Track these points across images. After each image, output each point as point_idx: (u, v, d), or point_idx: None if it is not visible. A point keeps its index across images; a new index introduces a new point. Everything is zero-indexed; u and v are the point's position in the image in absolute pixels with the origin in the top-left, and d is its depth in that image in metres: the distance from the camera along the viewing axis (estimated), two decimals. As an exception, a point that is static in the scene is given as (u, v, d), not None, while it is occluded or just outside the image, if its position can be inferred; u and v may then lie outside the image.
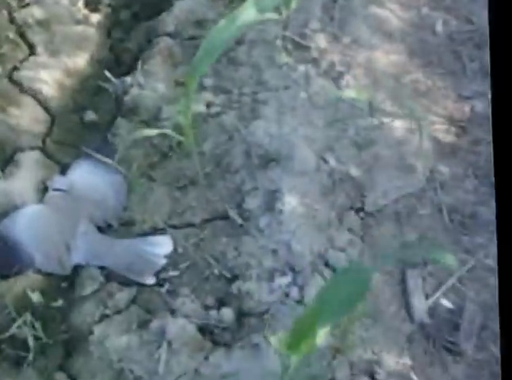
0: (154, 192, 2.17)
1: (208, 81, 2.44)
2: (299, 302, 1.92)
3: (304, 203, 2.07)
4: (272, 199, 2.08)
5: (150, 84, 2.47)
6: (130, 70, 2.57)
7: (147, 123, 2.37)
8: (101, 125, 2.45)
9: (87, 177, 2.25)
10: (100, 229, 2.12)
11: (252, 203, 2.09)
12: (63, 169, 2.29)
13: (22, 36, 2.55)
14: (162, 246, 2.04)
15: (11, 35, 2.53)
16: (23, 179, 2.24)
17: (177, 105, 2.34)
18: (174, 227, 2.09)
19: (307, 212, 2.06)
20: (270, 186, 2.10)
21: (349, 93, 2.14)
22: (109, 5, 2.74)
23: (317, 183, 2.13)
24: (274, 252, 2.01)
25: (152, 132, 2.09)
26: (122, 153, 2.27)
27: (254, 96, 2.35)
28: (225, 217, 2.09)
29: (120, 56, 2.66)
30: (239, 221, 2.07)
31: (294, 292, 1.93)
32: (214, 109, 2.32)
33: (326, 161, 2.16)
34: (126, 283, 1.99)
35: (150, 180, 2.20)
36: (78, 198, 2.19)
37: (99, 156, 2.23)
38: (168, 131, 2.11)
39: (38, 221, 2.14)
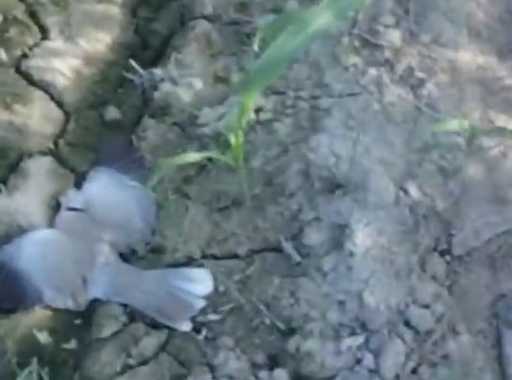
0: (190, 213, 1.83)
1: None
2: (374, 372, 1.56)
3: (379, 244, 1.70)
4: (339, 236, 1.72)
5: (184, 78, 2.08)
6: (159, 57, 2.22)
7: (181, 127, 2.01)
8: (125, 125, 2.08)
9: (108, 191, 1.90)
10: (123, 258, 1.80)
11: (313, 237, 1.74)
12: (79, 180, 1.94)
13: (33, 16, 2.19)
14: (199, 282, 1.73)
15: (20, 15, 2.17)
16: (30, 193, 1.89)
17: (217, 108, 2.01)
18: (214, 258, 1.77)
19: (382, 255, 1.69)
20: (336, 219, 1.75)
21: (446, 125, 1.74)
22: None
23: (395, 218, 1.75)
24: (341, 303, 1.65)
25: (194, 157, 1.71)
26: (150, 161, 1.95)
27: (314, 101, 1.97)
28: (278, 250, 1.77)
29: (147, 41, 2.27)
30: (296, 257, 1.74)
31: (367, 358, 1.57)
32: (264, 115, 1.96)
33: (405, 192, 1.79)
34: (154, 324, 1.69)
35: (185, 198, 1.86)
36: (96, 218, 1.84)
37: (122, 164, 1.93)
38: (214, 154, 1.76)
39: (48, 247, 1.79)
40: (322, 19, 1.51)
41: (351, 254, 1.68)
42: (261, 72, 1.53)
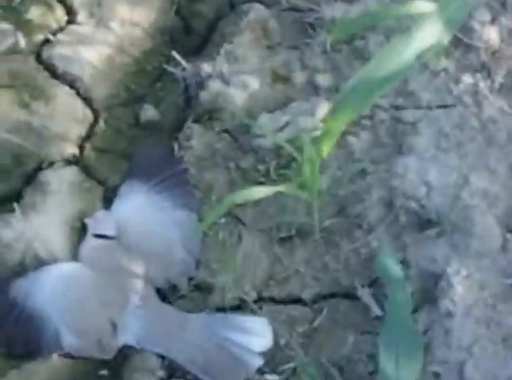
0: (244, 243, 1.55)
1: (323, 80, 1.75)
2: None
3: (484, 302, 1.40)
4: (431, 288, 1.43)
5: (236, 75, 1.76)
6: (204, 45, 1.92)
7: (232, 135, 1.70)
8: (165, 129, 1.78)
9: (143, 213, 1.61)
10: (161, 296, 1.51)
11: None
12: (108, 195, 1.65)
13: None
14: (256, 334, 1.43)
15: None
16: (49, 213, 1.58)
17: (278, 115, 1.70)
18: (273, 301, 1.49)
19: (487, 317, 1.38)
20: (428, 265, 1.45)
21: None
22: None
23: (502, 268, 1.45)
24: (437, 375, 1.34)
25: (261, 192, 1.41)
26: (195, 176, 1.66)
27: (396, 112, 1.66)
28: (352, 296, 1.48)
29: (190, 26, 1.94)
30: (375, 309, 1.44)
31: None
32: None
33: (514, 235, 1.49)
34: (198, 382, 1.36)
35: (238, 223, 1.58)
36: (129, 247, 1.55)
37: (161, 178, 1.64)
38: (287, 189, 1.46)
39: (70, 284, 1.50)
40: (430, 33, 1.21)
41: (448, 314, 1.37)
42: (354, 94, 1.23)
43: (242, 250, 1.52)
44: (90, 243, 1.55)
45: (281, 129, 1.65)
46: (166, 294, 1.51)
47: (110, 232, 1.54)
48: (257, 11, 1.86)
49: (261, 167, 1.64)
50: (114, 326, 1.44)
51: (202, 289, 1.51)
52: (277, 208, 1.57)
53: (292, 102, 1.70)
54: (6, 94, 1.67)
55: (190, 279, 1.51)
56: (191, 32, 1.93)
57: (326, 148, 1.30)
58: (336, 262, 1.50)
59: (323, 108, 1.65)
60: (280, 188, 1.44)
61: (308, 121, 1.64)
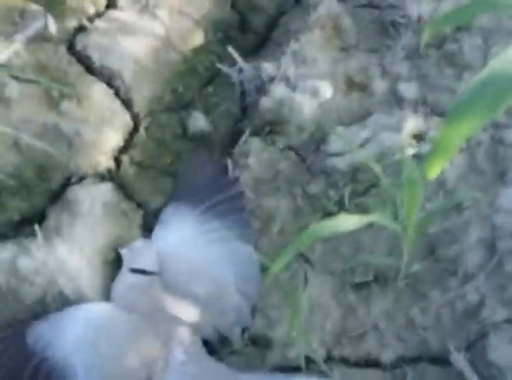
0: (311, 288, 1.32)
1: (408, 89, 1.49)
2: None
3: None
4: None
5: (304, 79, 1.50)
6: (263, 44, 1.68)
7: (299, 153, 1.46)
8: (217, 142, 1.53)
9: (190, 244, 1.36)
10: (209, 349, 1.28)
11: (504, 353, 1.20)
12: (149, 221, 1.40)
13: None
14: None
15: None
16: (77, 239, 1.32)
17: (355, 129, 1.46)
18: (345, 363, 1.27)
19: None
20: None
21: None
22: None
23: None
24: None
25: (354, 221, 1.14)
26: (253, 201, 1.42)
27: (496, 132, 1.41)
28: (443, 362, 1.24)
29: (248, 21, 1.69)
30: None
31: None
32: (421, 146, 1.41)
33: None
34: None
35: (305, 263, 1.35)
36: (173, 285, 1.30)
37: (212, 202, 1.39)
38: (379, 219, 1.20)
39: (100, 331, 1.23)
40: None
41: None
42: (484, 97, 0.95)
43: (308, 296, 1.29)
44: (126, 279, 1.30)
45: (360, 146, 1.41)
46: (215, 347, 1.29)
47: (150, 267, 1.30)
48: (328, 6, 1.60)
49: (332, 193, 1.39)
50: (150, 380, 1.21)
51: (258, 343, 1.29)
52: (351, 246, 1.33)
53: (372, 114, 1.47)
54: (32, 91, 1.42)
55: (245, 329, 1.30)
56: (249, 28, 1.68)
57: (437, 168, 1.03)
58: (423, 317, 1.27)
59: (411, 123, 1.42)
60: (374, 217, 1.18)
61: (394, 138, 1.40)
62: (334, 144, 1.42)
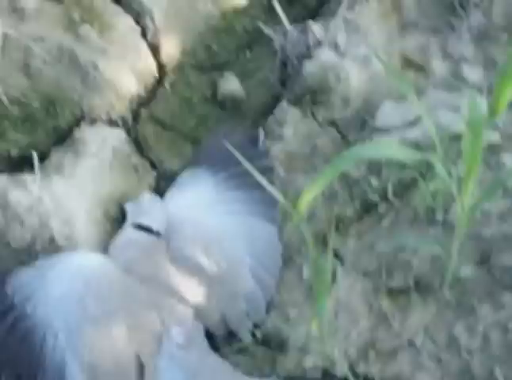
0: (340, 287, 1.17)
1: (472, 72, 1.38)
2: None
3: None
4: None
5: (355, 47, 1.38)
6: (313, 12, 1.52)
7: (341, 129, 1.32)
8: (250, 109, 1.41)
9: (206, 211, 1.22)
10: (211, 340, 1.14)
11: None
12: (162, 183, 1.29)
13: None
14: None
15: None
16: (79, 182, 1.22)
17: (406, 106, 1.30)
18: None
19: None
20: None
21: None
22: None
23: None
24: None
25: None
26: (283, 178, 1.28)
27: None
28: None
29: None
30: None
31: None
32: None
33: None
34: None
35: (335, 257, 1.19)
36: (180, 253, 1.17)
37: (236, 172, 1.23)
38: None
39: (91, 286, 1.12)
40: None
41: None
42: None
43: (335, 297, 1.15)
44: (127, 234, 1.18)
45: (410, 125, 1.27)
46: (219, 342, 1.16)
47: (157, 225, 1.17)
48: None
49: (374, 180, 1.23)
50: (141, 368, 1.06)
51: (271, 344, 1.16)
52: (390, 243, 1.17)
53: (427, 92, 1.33)
54: (51, 7, 1.30)
55: (257, 325, 1.16)
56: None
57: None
58: (469, 337, 1.09)
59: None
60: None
61: (450, 116, 1.25)
62: (383, 119, 1.29)
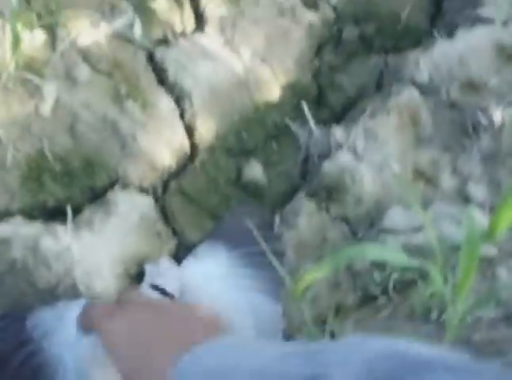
0: None
1: (477, 191, 1.42)
2: None
3: None
4: None
5: (372, 154, 1.43)
6: (338, 118, 1.57)
7: (352, 226, 1.36)
8: (269, 196, 1.43)
9: (217, 283, 1.24)
10: None
11: None
12: (181, 250, 1.32)
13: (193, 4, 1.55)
14: None
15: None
16: (106, 239, 1.24)
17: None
18: None
19: None
20: None
21: None
22: (335, 7, 1.66)
23: None
24: None
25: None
26: (292, 263, 1.32)
27: None
28: None
29: (327, 94, 1.60)
30: None
31: None
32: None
33: None
34: None
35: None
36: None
37: (249, 251, 1.27)
38: None
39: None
40: None
41: None
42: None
43: None
44: (144, 292, 1.18)
45: (416, 230, 1.31)
46: None
47: (171, 288, 1.18)
48: (410, 96, 1.53)
49: (377, 275, 1.28)
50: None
51: None
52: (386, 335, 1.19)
53: (434, 203, 1.38)
54: (101, 81, 1.35)
55: None
56: (325, 103, 1.59)
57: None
58: None
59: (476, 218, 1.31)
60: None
61: (453, 229, 1.31)
62: (390, 222, 1.33)
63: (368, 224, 1.35)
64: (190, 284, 1.21)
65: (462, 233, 1.21)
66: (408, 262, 1.12)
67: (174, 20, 1.47)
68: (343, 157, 1.42)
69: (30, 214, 1.24)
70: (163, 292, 1.18)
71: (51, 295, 1.17)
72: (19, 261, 1.16)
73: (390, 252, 1.15)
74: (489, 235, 1.08)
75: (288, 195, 1.42)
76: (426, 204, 1.38)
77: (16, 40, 1.22)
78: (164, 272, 1.22)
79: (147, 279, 1.20)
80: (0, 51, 1.26)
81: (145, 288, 1.19)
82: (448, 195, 1.41)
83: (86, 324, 1.06)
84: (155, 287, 1.18)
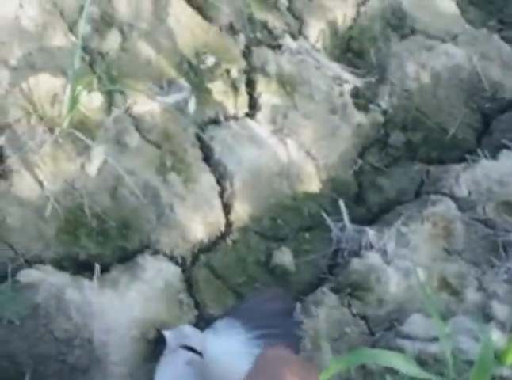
0: None
1: (500, 310, 1.42)
2: None
3: None
4: None
5: (401, 259, 1.46)
6: (373, 219, 1.61)
7: (371, 327, 1.38)
8: (295, 283, 1.46)
9: (234, 360, 1.27)
10: None
11: None
12: (201, 322, 1.34)
13: (249, 83, 1.60)
14: None
15: (236, 72, 1.58)
16: (128, 302, 1.28)
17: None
18: None
19: None
20: None
21: None
22: (385, 111, 1.71)
23: None
24: None
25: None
26: (309, 351, 1.33)
27: None
28: None
29: (365, 196, 1.65)
30: None
31: None
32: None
33: None
34: None
35: None
36: None
37: (267, 333, 1.31)
38: None
39: None
40: None
41: None
42: None
43: None
44: (178, 357, 1.22)
45: (433, 340, 1.32)
46: None
47: (199, 349, 1.23)
48: (446, 208, 1.56)
49: (389, 378, 1.28)
50: None
51: None
52: None
53: (455, 315, 1.40)
54: (149, 150, 1.41)
55: None
56: (363, 202, 1.63)
57: None
58: None
59: (494, 337, 1.30)
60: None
61: (470, 345, 1.31)
62: (409, 327, 1.34)
63: (387, 326, 1.37)
64: (208, 354, 1.24)
65: (478, 350, 1.23)
66: (419, 373, 1.14)
67: (228, 103, 1.53)
68: (372, 258, 1.45)
69: (60, 264, 1.28)
70: (194, 351, 1.23)
71: (67, 345, 1.20)
72: (42, 307, 1.20)
73: (403, 361, 1.16)
74: (504, 358, 1.09)
75: (313, 285, 1.45)
76: (447, 315, 1.39)
77: (73, 100, 1.28)
78: (190, 335, 1.26)
79: (172, 343, 1.24)
80: (57, 107, 1.33)
81: (170, 350, 1.23)
82: (471, 310, 1.42)
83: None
84: (187, 348, 1.23)
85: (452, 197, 1.59)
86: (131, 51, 1.43)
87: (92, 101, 1.37)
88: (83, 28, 1.27)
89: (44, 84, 1.33)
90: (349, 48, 1.73)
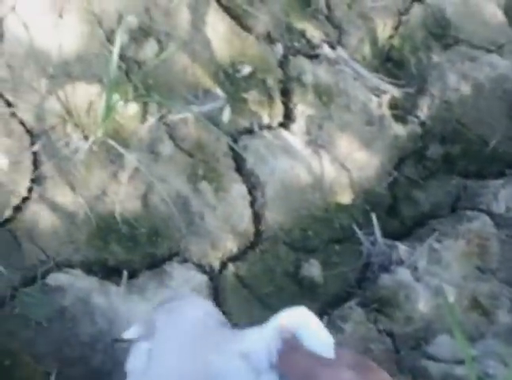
0: None
1: None
2: None
3: None
4: None
5: (432, 276, 1.52)
6: (406, 233, 1.66)
7: (397, 344, 1.45)
8: (322, 296, 1.52)
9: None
10: None
11: None
12: None
13: (285, 93, 1.64)
14: None
15: (272, 81, 1.63)
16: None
17: None
18: None
19: None
20: None
21: None
22: (423, 123, 1.76)
23: None
24: None
25: None
26: None
27: None
28: None
29: (399, 209, 1.70)
30: None
31: None
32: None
33: None
34: None
35: None
36: None
37: None
38: None
39: None
40: None
41: None
42: None
43: None
44: None
45: (459, 363, 1.37)
46: None
47: None
48: (483, 224, 1.62)
49: None
50: None
51: None
52: None
53: (484, 338, 1.44)
54: (181, 158, 1.47)
55: None
56: (396, 215, 1.68)
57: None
58: None
59: None
60: None
61: (499, 370, 1.37)
62: (436, 348, 1.40)
63: (413, 344, 1.42)
64: None
65: (506, 377, 1.30)
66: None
67: (263, 113, 1.58)
68: (402, 274, 1.50)
69: (89, 269, 1.35)
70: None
71: (91, 349, 1.27)
72: (69, 310, 1.27)
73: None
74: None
75: (341, 298, 1.50)
76: (476, 337, 1.44)
77: (108, 108, 1.34)
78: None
79: None
80: (92, 115, 1.39)
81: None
82: (502, 333, 1.46)
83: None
84: None
85: (489, 213, 1.64)
86: (168, 61, 1.48)
87: (127, 110, 1.42)
88: (121, 37, 1.32)
89: (81, 92, 1.39)
90: (388, 58, 1.76)
